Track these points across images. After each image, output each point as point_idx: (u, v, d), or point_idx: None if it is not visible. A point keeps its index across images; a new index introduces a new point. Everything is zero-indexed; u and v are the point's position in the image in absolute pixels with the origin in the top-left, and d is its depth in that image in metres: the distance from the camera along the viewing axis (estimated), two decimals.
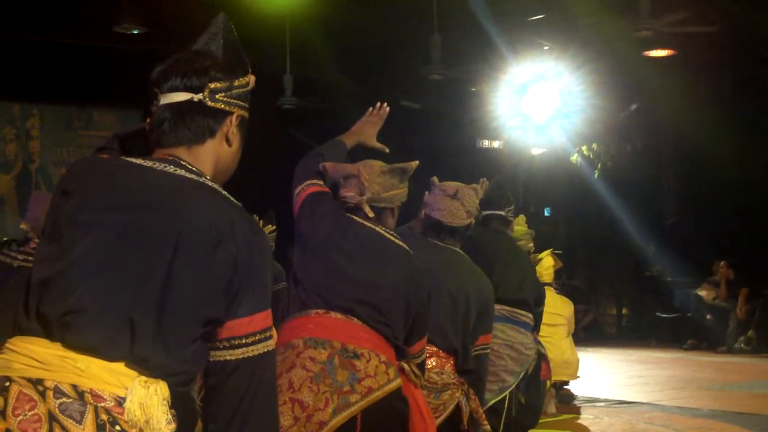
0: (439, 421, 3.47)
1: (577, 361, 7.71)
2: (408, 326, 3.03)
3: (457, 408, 3.55)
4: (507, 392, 4.49)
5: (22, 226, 3.64)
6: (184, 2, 8.09)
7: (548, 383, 6.62)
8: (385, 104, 3.41)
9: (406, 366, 3.03)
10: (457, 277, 3.57)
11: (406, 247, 3.07)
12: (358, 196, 3.04)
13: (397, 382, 2.92)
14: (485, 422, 3.65)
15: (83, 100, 10.45)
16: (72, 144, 10.66)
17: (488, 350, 3.78)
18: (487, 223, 4.77)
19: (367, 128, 3.39)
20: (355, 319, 2.94)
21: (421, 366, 3.17)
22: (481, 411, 3.66)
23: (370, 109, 3.42)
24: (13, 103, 10.36)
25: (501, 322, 4.47)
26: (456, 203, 3.60)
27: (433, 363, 3.46)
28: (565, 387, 8.01)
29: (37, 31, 9.09)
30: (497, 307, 4.25)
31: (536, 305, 4.88)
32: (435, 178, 3.70)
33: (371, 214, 3.03)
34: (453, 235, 3.65)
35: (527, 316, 4.72)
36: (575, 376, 7.74)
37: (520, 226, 5.39)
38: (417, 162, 3.13)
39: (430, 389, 3.42)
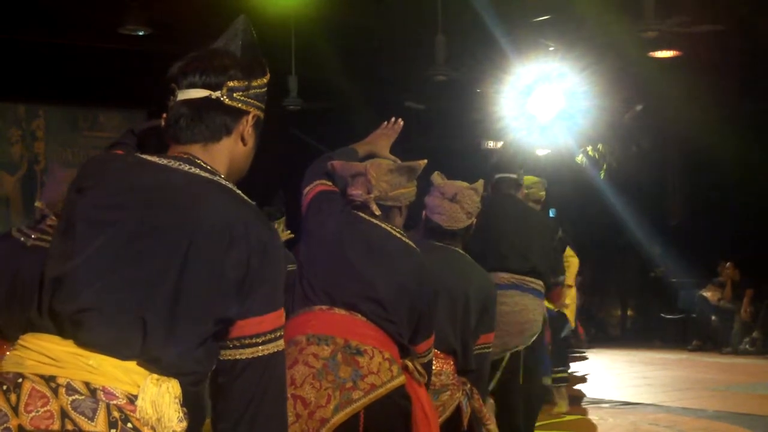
0: (438, 422, 3.47)
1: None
2: (413, 324, 3.03)
3: (458, 409, 3.54)
4: (508, 353, 4.45)
5: (37, 204, 3.60)
6: (189, 4, 8.10)
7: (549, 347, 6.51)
8: (400, 119, 3.42)
9: (410, 364, 3.03)
10: (455, 276, 3.56)
11: (413, 245, 3.07)
12: (366, 194, 3.04)
13: (400, 380, 2.92)
14: (488, 421, 3.65)
15: (89, 101, 10.46)
16: (77, 145, 10.67)
17: (490, 349, 3.77)
18: (499, 186, 4.78)
19: (381, 140, 3.40)
20: (359, 316, 2.93)
21: (428, 365, 3.17)
22: (485, 410, 3.65)
23: (385, 123, 3.43)
24: (19, 104, 10.37)
25: (509, 289, 4.44)
26: (455, 206, 3.60)
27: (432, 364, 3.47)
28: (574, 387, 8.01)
29: (43, 32, 9.11)
30: (506, 275, 4.23)
31: (553, 274, 4.83)
32: (436, 176, 3.70)
33: (378, 213, 3.03)
34: (453, 237, 3.65)
35: (536, 283, 4.65)
36: None
37: (530, 177, 5.37)
38: (425, 161, 3.14)
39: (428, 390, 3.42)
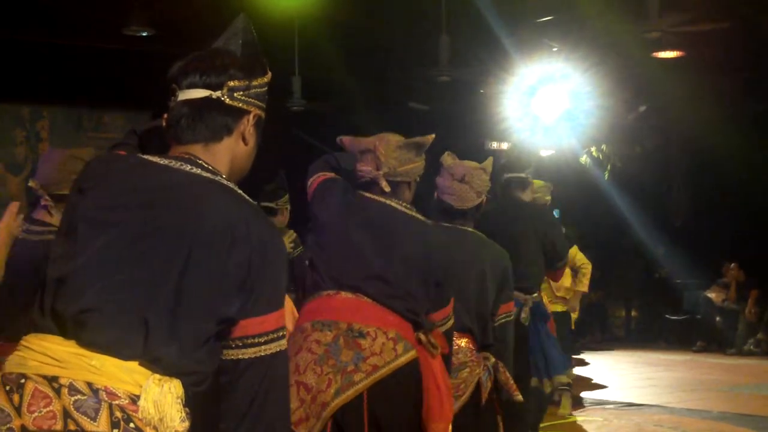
0: (462, 400, 3.51)
1: None
2: (430, 295, 3.06)
3: (478, 385, 3.58)
4: None
5: (31, 183, 3.61)
6: (192, 4, 8.09)
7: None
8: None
9: (422, 336, 3.05)
10: (465, 257, 3.61)
11: (422, 218, 3.11)
12: (375, 170, 3.08)
13: (407, 357, 2.95)
14: (516, 392, 3.69)
15: (93, 102, 10.46)
16: (82, 146, 10.67)
17: (512, 317, 3.83)
18: (507, 186, 4.91)
19: None
20: (365, 298, 2.98)
21: (449, 333, 3.19)
22: (512, 382, 3.70)
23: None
24: (23, 106, 10.37)
25: None
26: (464, 186, 3.68)
27: None
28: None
29: (46, 33, 9.11)
30: None
31: (553, 262, 4.87)
32: (446, 157, 3.75)
33: (387, 189, 3.07)
34: (464, 216, 3.74)
35: None
36: None
37: (537, 181, 5.45)
38: (433, 136, 3.17)
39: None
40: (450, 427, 3.10)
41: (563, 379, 4.71)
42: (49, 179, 3.46)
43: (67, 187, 3.21)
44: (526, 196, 5.01)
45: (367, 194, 3.09)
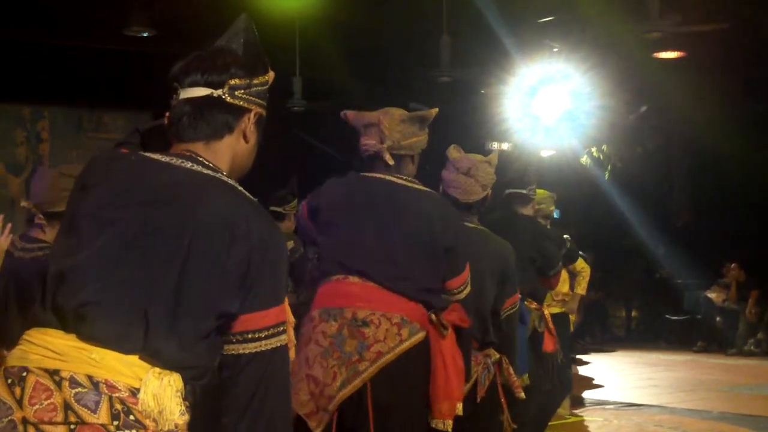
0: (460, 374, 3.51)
1: None
2: (442, 266, 3.06)
3: (475, 383, 3.59)
4: None
5: (24, 204, 3.67)
6: (193, 5, 8.10)
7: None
8: None
9: (433, 317, 3.05)
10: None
11: (425, 189, 3.12)
12: (379, 144, 3.09)
13: (412, 341, 2.96)
14: (519, 389, 3.70)
15: (93, 102, 10.47)
16: (82, 147, 10.67)
17: (516, 309, 3.85)
18: (509, 201, 4.91)
19: None
20: (371, 283, 2.99)
21: (466, 302, 3.20)
22: (514, 378, 3.70)
23: None
24: (24, 106, 10.38)
25: None
26: (470, 180, 3.71)
27: None
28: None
29: (46, 33, 9.12)
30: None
31: (546, 269, 4.88)
32: (452, 150, 3.77)
33: (391, 162, 3.08)
34: (469, 210, 3.75)
35: None
36: None
37: (541, 191, 5.46)
38: (436, 110, 3.20)
39: None
40: (460, 405, 3.10)
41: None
42: (42, 198, 3.56)
43: (59, 205, 3.32)
44: (527, 211, 5.04)
45: (367, 174, 3.11)
